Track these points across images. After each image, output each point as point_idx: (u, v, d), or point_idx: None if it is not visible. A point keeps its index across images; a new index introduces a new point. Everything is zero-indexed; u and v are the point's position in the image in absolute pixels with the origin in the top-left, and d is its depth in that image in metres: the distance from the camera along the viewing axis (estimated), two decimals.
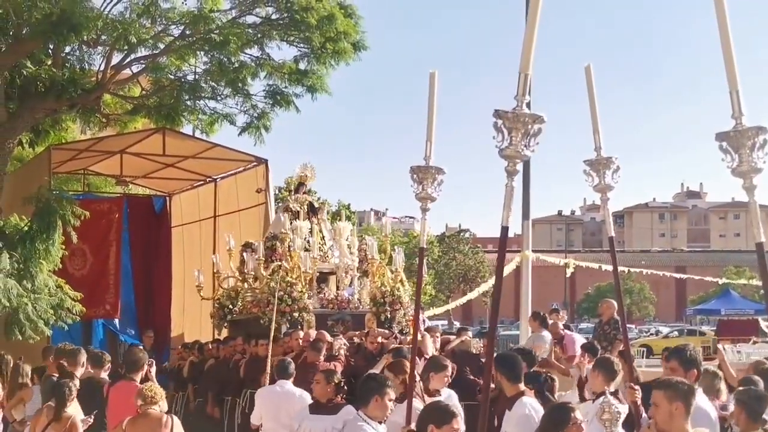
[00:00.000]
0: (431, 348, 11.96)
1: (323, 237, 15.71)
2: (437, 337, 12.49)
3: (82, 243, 16.47)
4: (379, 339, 12.52)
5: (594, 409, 6.38)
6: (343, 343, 12.77)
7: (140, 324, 20.34)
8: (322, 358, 11.52)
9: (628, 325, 12.96)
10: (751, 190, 3.88)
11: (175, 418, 8.08)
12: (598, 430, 6.68)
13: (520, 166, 4.20)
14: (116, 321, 19.98)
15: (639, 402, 6.13)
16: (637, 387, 6.15)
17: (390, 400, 6.65)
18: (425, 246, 6.56)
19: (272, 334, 11.99)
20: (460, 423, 5.54)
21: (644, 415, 6.19)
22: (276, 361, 11.09)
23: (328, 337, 12.55)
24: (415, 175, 5.49)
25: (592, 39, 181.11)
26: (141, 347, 13.13)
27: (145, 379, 9.06)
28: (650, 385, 5.53)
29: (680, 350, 6.57)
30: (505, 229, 4.36)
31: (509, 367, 7.02)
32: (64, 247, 15.13)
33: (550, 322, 13.92)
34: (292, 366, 9.91)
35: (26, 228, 14.65)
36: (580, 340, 13.81)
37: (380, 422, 6.63)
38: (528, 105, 4.19)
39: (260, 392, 10.14)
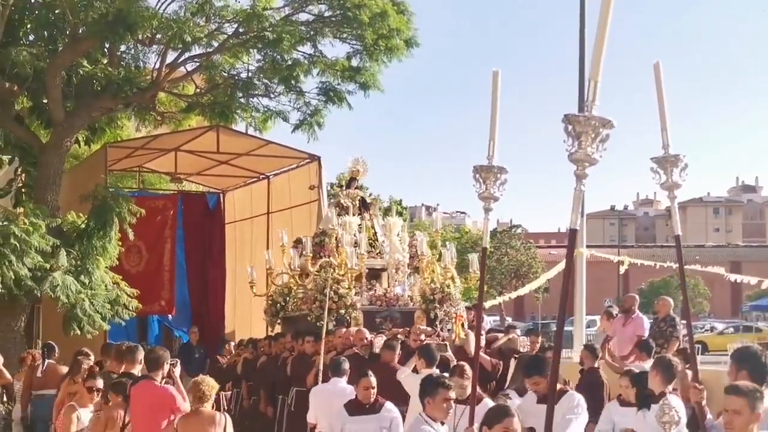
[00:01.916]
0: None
1: (375, 233, 15.45)
2: (483, 334, 12.17)
3: (137, 240, 16.66)
4: (422, 336, 12.27)
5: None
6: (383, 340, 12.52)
7: (194, 320, 20.49)
8: (397, 357, 11.11)
9: (682, 322, 12.73)
10: None
11: (227, 416, 8.06)
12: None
13: (589, 170, 4.18)
14: (170, 317, 20.21)
15: (704, 402, 5.94)
16: (701, 386, 5.91)
17: (446, 400, 6.55)
18: (484, 244, 6.47)
19: (325, 331, 11.93)
20: (515, 423, 5.41)
21: (709, 416, 6.03)
22: (329, 359, 11.03)
23: (368, 335, 12.33)
24: (477, 175, 5.42)
25: (642, 32, 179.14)
26: (163, 346, 13.09)
27: (168, 377, 8.80)
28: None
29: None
30: (573, 232, 4.35)
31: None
32: (120, 243, 15.35)
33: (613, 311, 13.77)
34: (346, 364, 9.83)
35: (83, 225, 14.89)
36: (647, 323, 13.52)
37: (442, 423, 6.56)
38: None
39: (314, 391, 10.09)
